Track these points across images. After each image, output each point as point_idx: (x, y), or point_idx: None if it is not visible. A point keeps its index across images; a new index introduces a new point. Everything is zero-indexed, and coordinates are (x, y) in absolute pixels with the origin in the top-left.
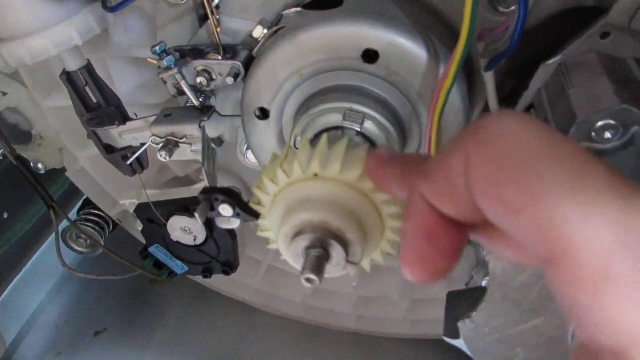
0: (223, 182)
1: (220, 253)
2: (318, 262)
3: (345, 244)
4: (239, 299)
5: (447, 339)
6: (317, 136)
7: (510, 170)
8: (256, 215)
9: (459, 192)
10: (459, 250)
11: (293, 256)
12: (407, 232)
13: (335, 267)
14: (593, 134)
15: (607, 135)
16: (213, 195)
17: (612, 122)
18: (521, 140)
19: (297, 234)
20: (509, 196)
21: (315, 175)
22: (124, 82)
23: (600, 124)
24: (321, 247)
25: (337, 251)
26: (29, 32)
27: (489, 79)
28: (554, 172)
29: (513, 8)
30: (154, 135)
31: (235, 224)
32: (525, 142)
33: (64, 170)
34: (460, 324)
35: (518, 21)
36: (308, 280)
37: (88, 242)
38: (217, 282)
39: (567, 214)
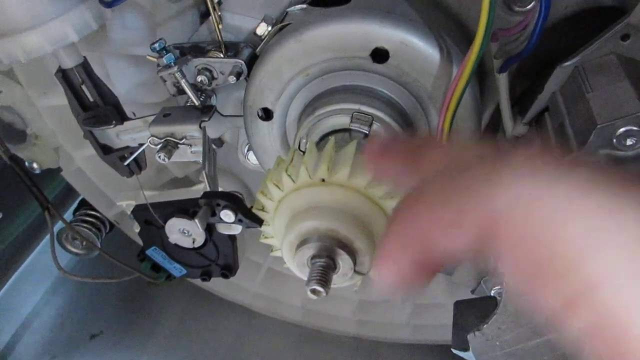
0: (223, 184)
1: (220, 256)
2: (324, 273)
3: (352, 253)
4: (237, 302)
5: (455, 351)
6: (323, 139)
7: (558, 255)
8: (259, 222)
9: (471, 244)
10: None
11: (298, 265)
12: (398, 238)
13: (342, 277)
14: (614, 140)
15: (629, 142)
16: (214, 200)
17: (634, 128)
18: (566, 212)
19: (303, 242)
20: (558, 290)
21: (323, 180)
22: (122, 80)
23: (622, 130)
24: (328, 256)
25: (344, 261)
26: (22, 28)
27: (502, 81)
28: (615, 266)
29: (529, 7)
30: (152, 135)
31: (236, 230)
32: (572, 214)
33: (60, 169)
34: (469, 336)
35: (538, 21)
36: (314, 291)
37: (84, 243)
38: (216, 284)
39: (628, 305)
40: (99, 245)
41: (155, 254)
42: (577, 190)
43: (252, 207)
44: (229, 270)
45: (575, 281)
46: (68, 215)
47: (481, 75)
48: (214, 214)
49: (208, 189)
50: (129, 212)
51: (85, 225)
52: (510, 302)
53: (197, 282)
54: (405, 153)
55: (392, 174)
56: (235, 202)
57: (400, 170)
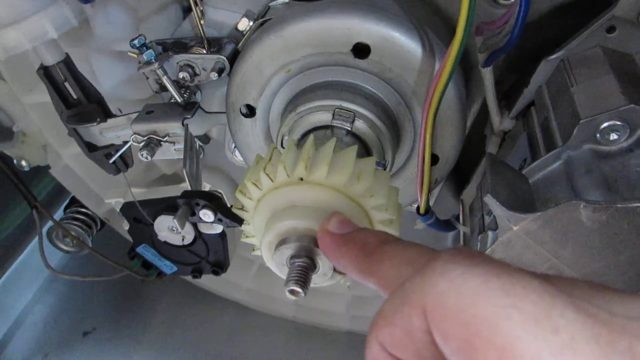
0: (211, 180)
1: (210, 253)
2: (303, 273)
3: None
4: (230, 299)
5: None
6: (305, 135)
7: (477, 330)
8: (239, 221)
9: (422, 345)
10: None
11: (277, 265)
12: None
13: (322, 277)
14: (598, 135)
15: (613, 136)
16: (193, 199)
17: (618, 122)
18: (477, 293)
19: (282, 242)
20: (486, 359)
21: (301, 179)
22: (107, 77)
23: (605, 124)
24: (306, 256)
25: (323, 260)
26: (0, 25)
27: (487, 75)
28: (522, 327)
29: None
30: (135, 133)
31: (217, 229)
32: (481, 294)
33: (49, 166)
34: None
35: (519, 14)
36: (292, 292)
37: (74, 241)
38: (208, 281)
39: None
40: (90, 243)
41: (146, 251)
42: (481, 279)
43: (232, 206)
44: (219, 267)
45: (493, 352)
46: (60, 212)
47: (467, 70)
48: (193, 213)
49: (189, 188)
50: (118, 209)
51: (75, 222)
52: None
53: (189, 278)
54: (360, 250)
55: (347, 270)
56: (215, 202)
57: (354, 267)
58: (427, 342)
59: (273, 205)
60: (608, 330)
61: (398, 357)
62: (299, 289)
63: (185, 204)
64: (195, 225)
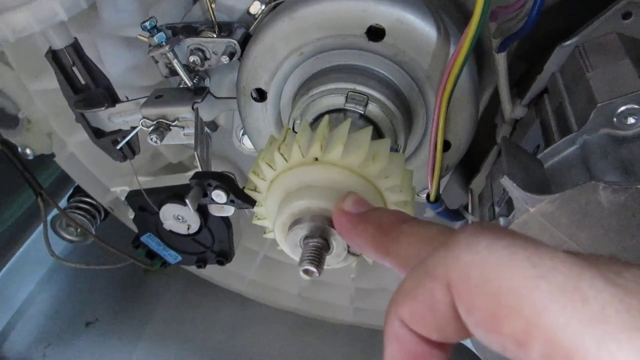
0: (217, 168)
1: (215, 243)
2: (317, 253)
3: None
4: (233, 290)
5: None
6: (317, 119)
7: (503, 301)
8: (252, 202)
9: (445, 319)
10: None
11: (290, 246)
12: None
13: (336, 258)
14: (615, 119)
15: (630, 120)
16: (205, 180)
17: (635, 106)
18: (503, 265)
19: (295, 222)
20: (511, 330)
21: (316, 159)
22: (114, 63)
23: (622, 108)
24: (321, 236)
25: (337, 241)
26: (9, 6)
27: (500, 60)
28: (550, 297)
29: None
30: (144, 117)
31: (229, 211)
32: (507, 265)
33: (54, 155)
34: None
35: None
36: (306, 272)
37: (78, 230)
38: (212, 272)
39: (579, 346)
40: (94, 232)
41: (150, 240)
42: (507, 251)
43: (244, 187)
44: (224, 257)
45: (520, 322)
46: (63, 202)
47: (480, 57)
48: (205, 195)
49: (200, 170)
50: (123, 199)
51: (79, 212)
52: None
53: (193, 269)
54: (376, 228)
55: (363, 249)
56: (227, 183)
57: (371, 246)
58: (450, 316)
59: (287, 186)
60: (638, 301)
61: (419, 333)
62: (313, 269)
63: (198, 185)
64: (201, 214)
